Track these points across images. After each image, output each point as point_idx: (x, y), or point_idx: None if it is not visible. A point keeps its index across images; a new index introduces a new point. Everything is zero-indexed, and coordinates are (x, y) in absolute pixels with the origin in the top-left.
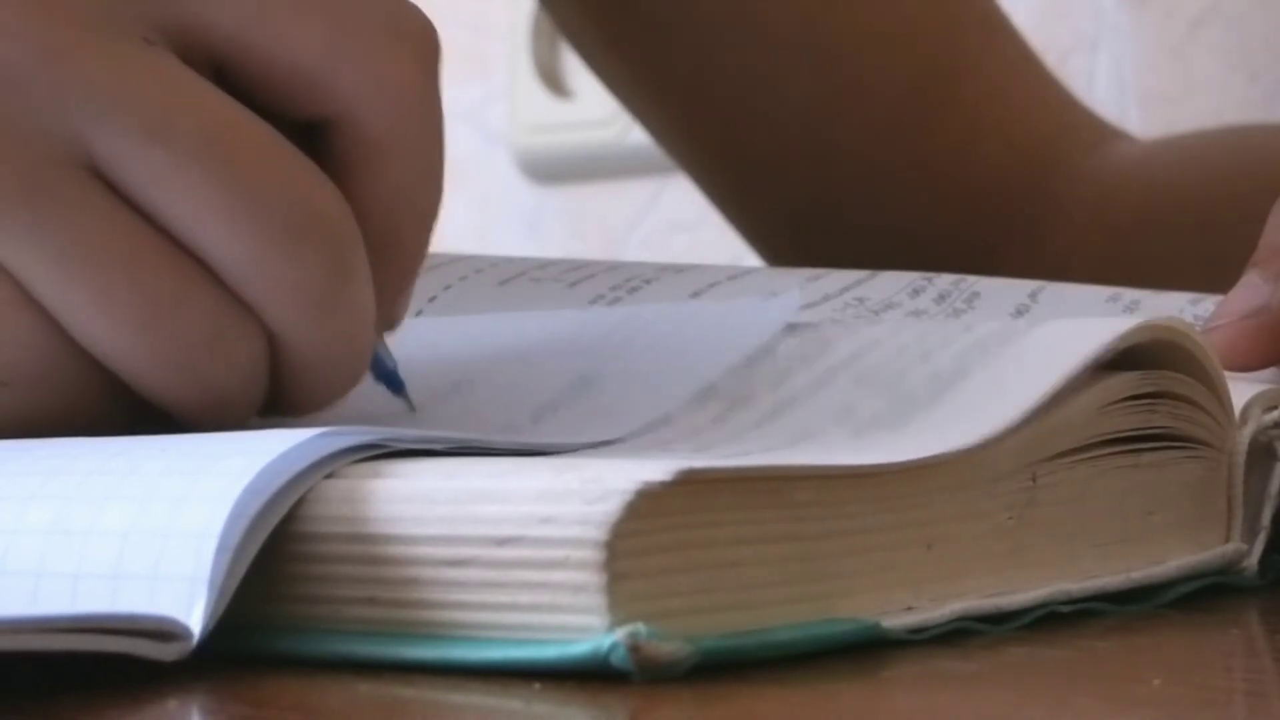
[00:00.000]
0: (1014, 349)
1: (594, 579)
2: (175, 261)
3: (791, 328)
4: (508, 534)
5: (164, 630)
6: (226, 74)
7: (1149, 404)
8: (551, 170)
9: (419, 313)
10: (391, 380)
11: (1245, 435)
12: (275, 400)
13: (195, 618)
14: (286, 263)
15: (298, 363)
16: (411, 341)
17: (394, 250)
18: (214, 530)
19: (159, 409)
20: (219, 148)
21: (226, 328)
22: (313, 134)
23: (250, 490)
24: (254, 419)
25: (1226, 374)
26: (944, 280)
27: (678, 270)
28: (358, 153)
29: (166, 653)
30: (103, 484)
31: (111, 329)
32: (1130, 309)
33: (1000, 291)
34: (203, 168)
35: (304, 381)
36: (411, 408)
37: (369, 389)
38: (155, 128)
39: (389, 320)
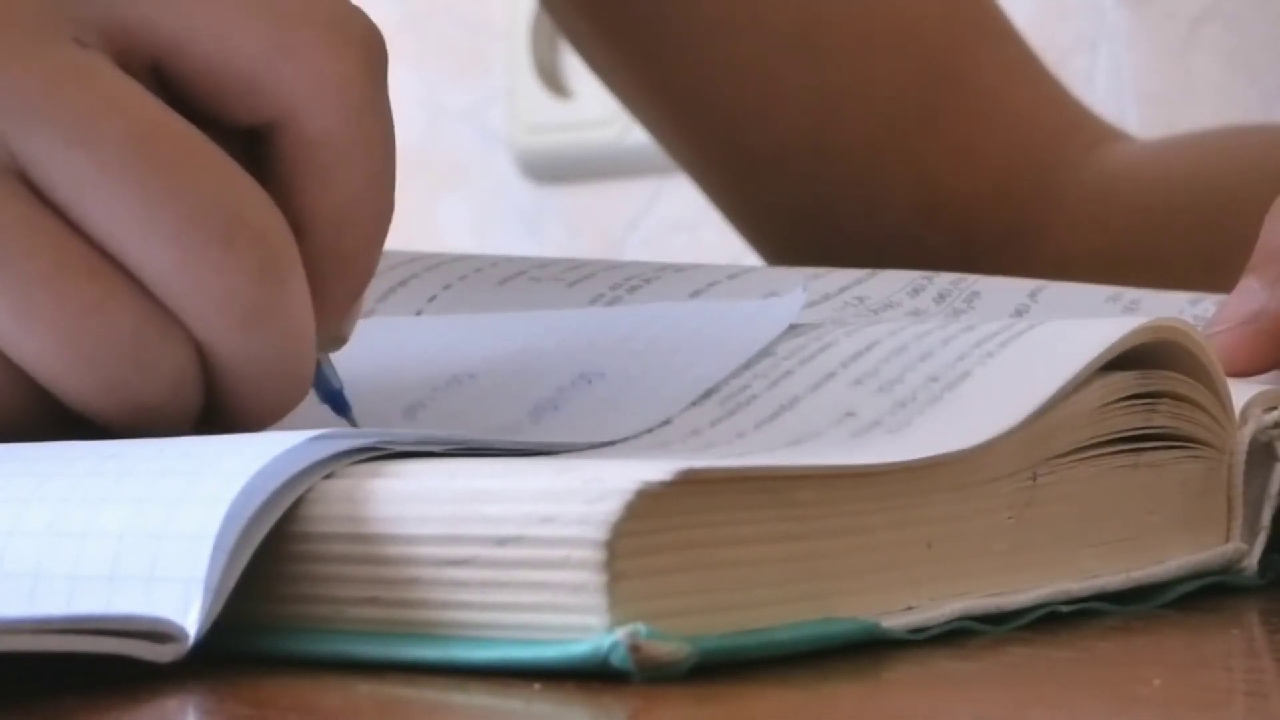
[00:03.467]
0: (1015, 349)
1: (594, 579)
2: (97, 269)
3: (792, 328)
4: (508, 534)
5: (160, 631)
6: (164, 76)
7: (1149, 403)
8: (551, 170)
9: (418, 312)
10: (336, 401)
11: (1245, 435)
12: (215, 415)
13: (191, 619)
14: (210, 270)
15: (230, 376)
16: (409, 338)
17: (340, 264)
18: (210, 532)
19: (88, 419)
20: (143, 152)
21: (150, 336)
22: (257, 143)
23: (247, 491)
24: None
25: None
26: (943, 279)
27: (677, 269)
28: (301, 157)
29: (161, 654)
30: (99, 485)
31: (32, 337)
32: (1130, 309)
33: (1000, 291)
34: (125, 173)
35: (240, 397)
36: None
37: (315, 409)
38: (79, 133)
39: (335, 338)
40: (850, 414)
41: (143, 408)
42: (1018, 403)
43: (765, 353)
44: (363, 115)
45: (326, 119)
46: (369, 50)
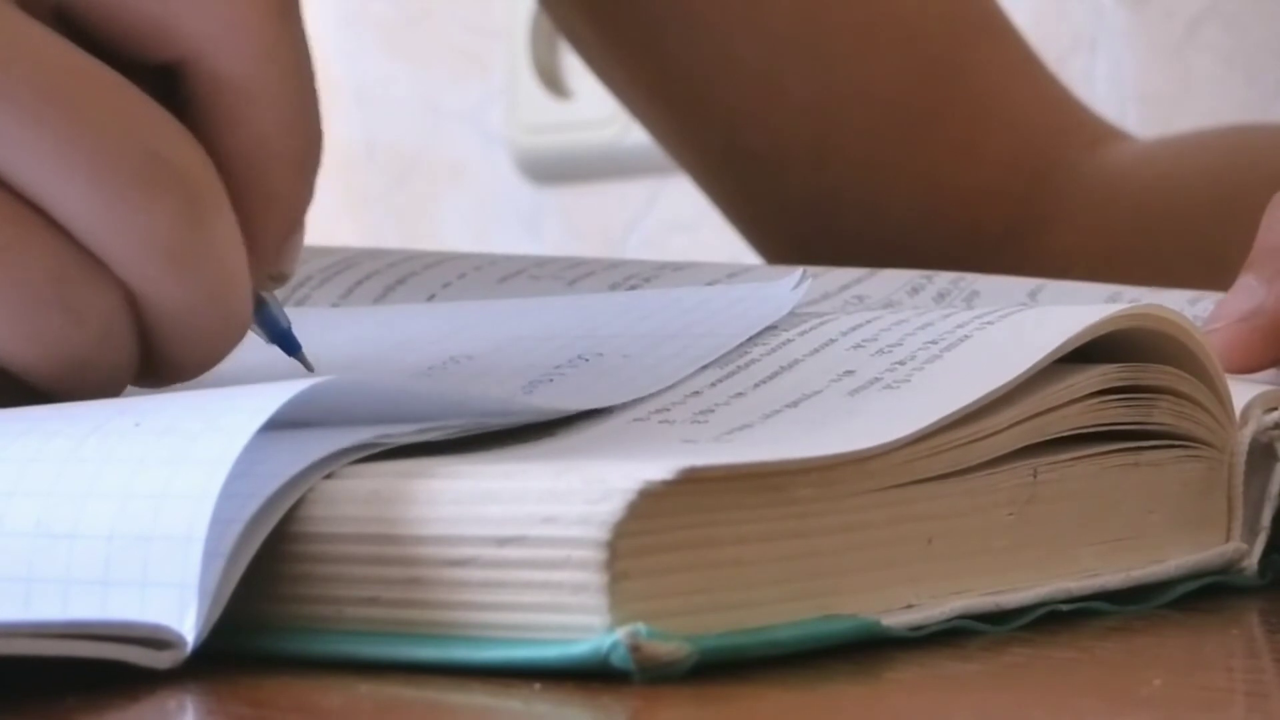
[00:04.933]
0: (1013, 320)
1: (595, 578)
2: (12, 212)
3: (792, 313)
4: (509, 534)
5: (157, 637)
6: (69, 19)
7: (1149, 399)
8: (550, 170)
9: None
10: (285, 340)
11: (1246, 435)
12: (151, 365)
13: (188, 625)
14: (131, 212)
15: (162, 321)
16: (407, 324)
17: (266, 202)
18: (198, 534)
19: (20, 382)
20: (54, 94)
21: (72, 279)
22: (173, 83)
23: (245, 495)
24: (130, 387)
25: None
26: (943, 279)
27: (676, 268)
28: (211, 97)
29: (160, 660)
30: (81, 475)
31: None
32: None
33: (1000, 290)
34: (35, 117)
35: (175, 343)
36: (309, 368)
37: (267, 351)
38: None
39: (275, 274)
40: (849, 372)
41: (72, 360)
42: (1014, 362)
43: (766, 327)
44: (269, 52)
45: (229, 58)
46: None
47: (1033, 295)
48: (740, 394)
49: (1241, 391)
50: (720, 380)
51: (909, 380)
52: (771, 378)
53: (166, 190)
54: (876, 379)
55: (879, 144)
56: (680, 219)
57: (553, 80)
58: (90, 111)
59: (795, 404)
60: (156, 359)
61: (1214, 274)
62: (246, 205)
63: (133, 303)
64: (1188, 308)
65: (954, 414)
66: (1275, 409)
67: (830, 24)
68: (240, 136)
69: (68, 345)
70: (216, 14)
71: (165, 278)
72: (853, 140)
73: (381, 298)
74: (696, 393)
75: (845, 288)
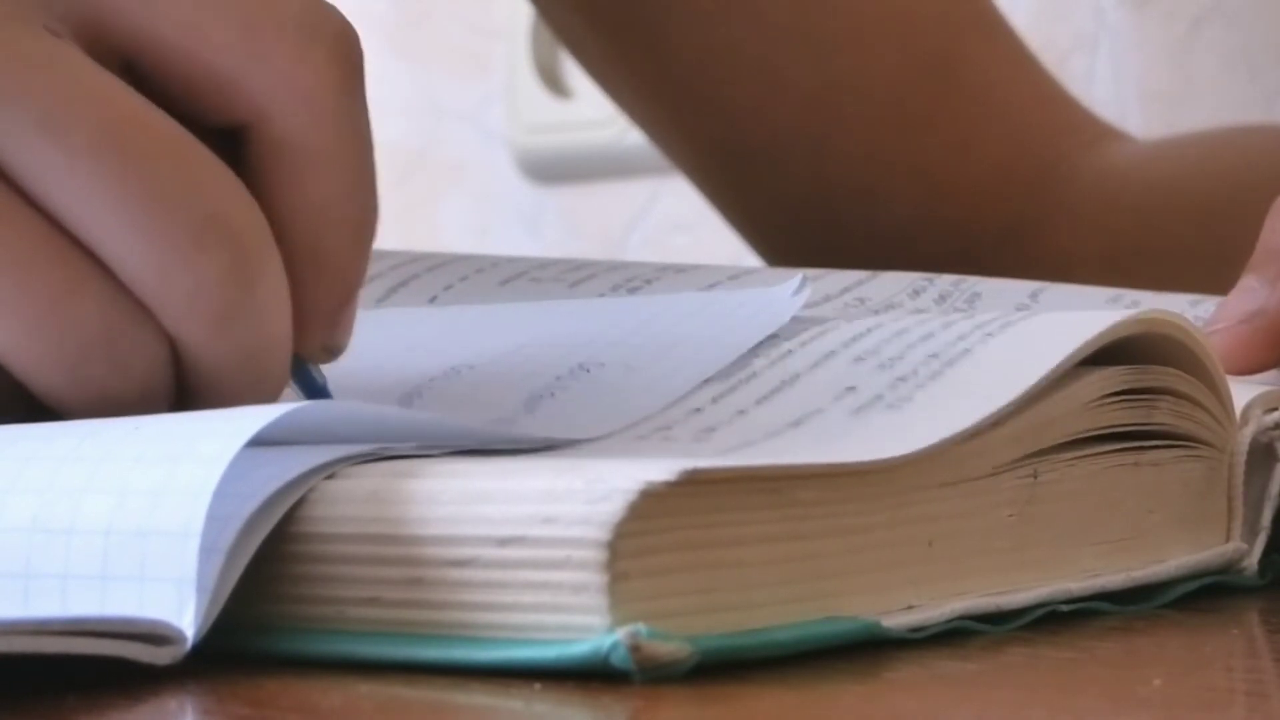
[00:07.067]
0: (1015, 331)
1: (595, 579)
2: (68, 257)
3: (794, 320)
4: (510, 534)
5: (157, 633)
6: (137, 74)
7: (1149, 399)
8: (551, 170)
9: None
10: (321, 397)
11: (1246, 435)
12: (182, 409)
13: (187, 621)
14: (184, 267)
15: (200, 374)
16: (409, 330)
17: (318, 268)
18: (194, 529)
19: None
20: (116, 141)
21: (121, 329)
22: (233, 145)
23: (244, 494)
24: None
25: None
26: (944, 281)
27: (678, 270)
28: (272, 159)
29: (160, 656)
30: (79, 472)
31: None
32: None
33: (1001, 292)
34: (98, 161)
35: (208, 395)
36: None
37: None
38: (49, 119)
39: (326, 348)
40: (851, 389)
41: (111, 404)
42: (1016, 379)
43: (768, 339)
44: (334, 120)
45: (295, 123)
46: (340, 53)
47: (1034, 297)
48: (742, 411)
49: (1242, 392)
50: (721, 396)
51: (911, 399)
52: (773, 393)
53: (220, 249)
54: (879, 397)
55: (876, 139)
56: (681, 219)
57: (553, 80)
58: (148, 163)
59: (798, 423)
60: (188, 405)
61: (1215, 275)
62: (301, 270)
63: (175, 352)
64: (1189, 310)
65: (955, 436)
66: (1275, 409)
67: (827, 18)
68: (299, 201)
69: (110, 394)
70: (287, 78)
71: (209, 335)
72: (850, 135)
73: (384, 299)
74: (698, 410)
75: (847, 290)
